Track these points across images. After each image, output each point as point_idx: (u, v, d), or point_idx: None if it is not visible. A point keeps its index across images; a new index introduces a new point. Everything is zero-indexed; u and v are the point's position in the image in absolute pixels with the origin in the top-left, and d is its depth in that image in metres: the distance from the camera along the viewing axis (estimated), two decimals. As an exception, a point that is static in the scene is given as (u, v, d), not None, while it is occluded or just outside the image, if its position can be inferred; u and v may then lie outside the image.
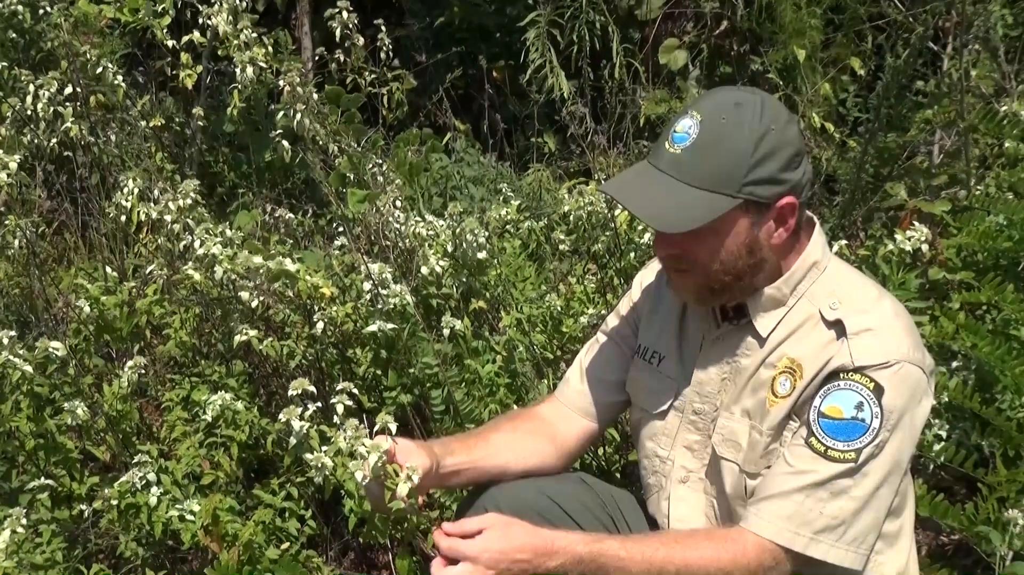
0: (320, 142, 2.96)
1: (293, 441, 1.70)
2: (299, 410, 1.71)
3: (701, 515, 1.67)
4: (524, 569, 1.50)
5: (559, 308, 2.70)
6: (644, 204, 1.52)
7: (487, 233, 2.78)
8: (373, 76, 3.73)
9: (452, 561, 1.52)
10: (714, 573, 1.51)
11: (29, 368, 2.25)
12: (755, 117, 1.49)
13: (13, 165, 2.58)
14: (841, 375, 1.50)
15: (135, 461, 2.24)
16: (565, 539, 1.53)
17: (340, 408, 1.57)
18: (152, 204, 2.63)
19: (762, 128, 1.48)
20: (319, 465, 1.65)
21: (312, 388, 1.79)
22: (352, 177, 3.04)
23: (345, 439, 1.56)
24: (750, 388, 1.60)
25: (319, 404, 1.77)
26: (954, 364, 2.41)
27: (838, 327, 1.53)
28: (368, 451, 1.53)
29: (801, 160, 1.53)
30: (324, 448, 1.66)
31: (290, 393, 1.77)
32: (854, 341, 1.50)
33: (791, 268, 1.59)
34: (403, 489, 1.53)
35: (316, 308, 2.53)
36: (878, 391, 1.47)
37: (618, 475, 2.51)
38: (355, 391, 1.64)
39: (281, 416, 1.73)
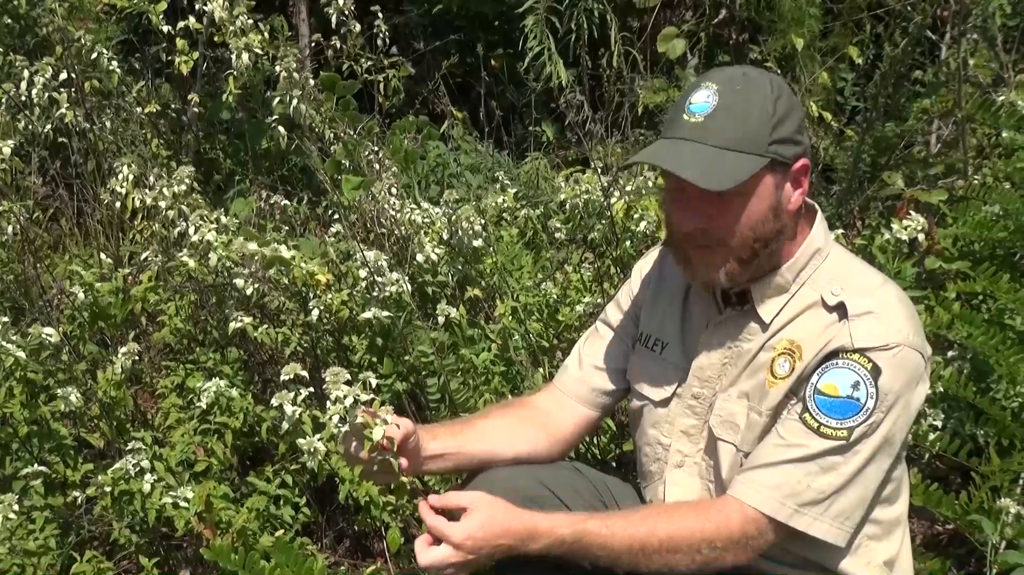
0: (316, 129, 2.94)
1: (286, 426, 1.70)
2: (291, 395, 1.70)
3: (696, 499, 1.67)
4: (506, 552, 1.51)
5: (555, 296, 2.69)
6: (684, 166, 1.51)
7: (483, 221, 2.77)
8: (370, 63, 3.71)
9: (437, 539, 1.53)
10: (697, 543, 1.52)
11: (23, 354, 2.25)
12: (765, 83, 1.54)
13: (6, 150, 2.57)
14: (840, 355, 1.51)
15: (129, 448, 2.24)
16: (548, 521, 1.53)
17: (334, 395, 1.57)
18: (147, 191, 2.63)
19: (775, 92, 1.53)
20: (311, 450, 1.64)
21: (304, 372, 1.79)
22: (348, 164, 3.03)
23: (326, 382, 1.56)
24: (749, 371, 1.60)
25: (311, 389, 1.76)
26: (949, 354, 2.41)
27: (840, 309, 1.54)
28: (345, 395, 1.53)
29: (805, 126, 1.59)
30: (318, 436, 1.65)
31: (282, 378, 1.77)
32: (855, 323, 1.51)
33: (794, 255, 1.59)
34: (377, 432, 1.54)
35: (312, 295, 2.52)
36: (875, 372, 1.48)
37: (614, 464, 2.51)
38: (349, 377, 1.63)
39: (273, 401, 1.72)
